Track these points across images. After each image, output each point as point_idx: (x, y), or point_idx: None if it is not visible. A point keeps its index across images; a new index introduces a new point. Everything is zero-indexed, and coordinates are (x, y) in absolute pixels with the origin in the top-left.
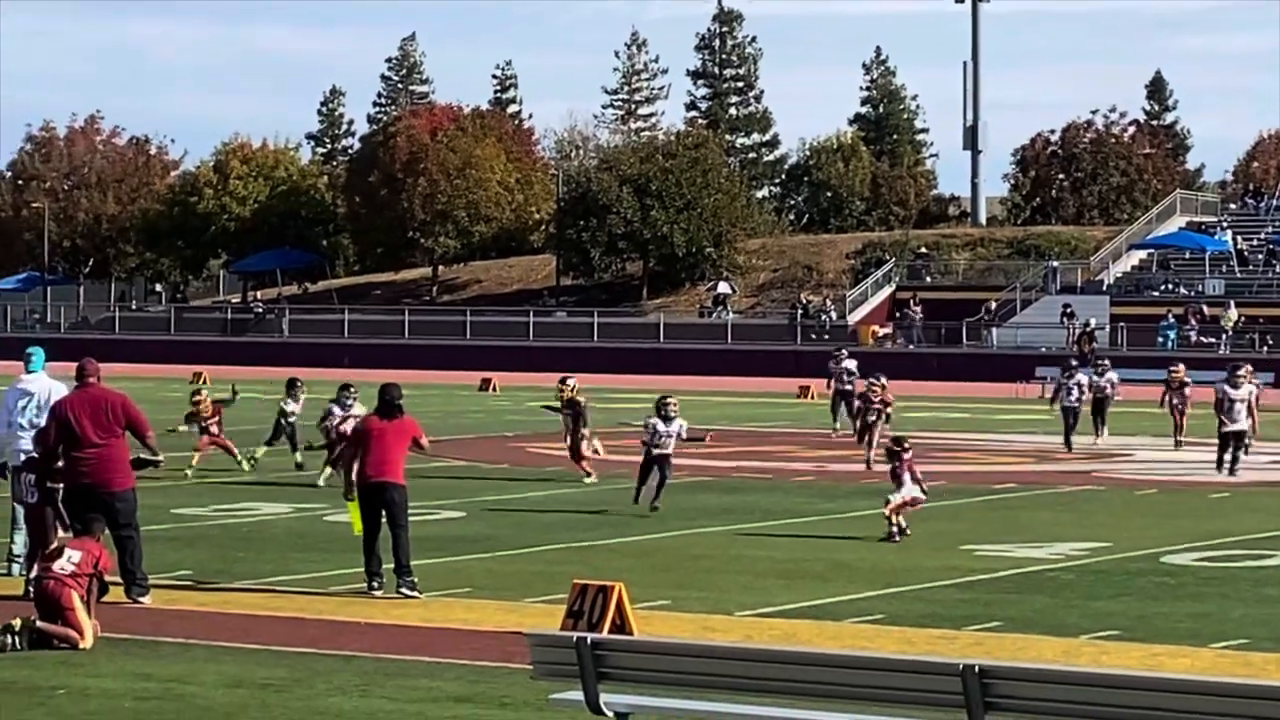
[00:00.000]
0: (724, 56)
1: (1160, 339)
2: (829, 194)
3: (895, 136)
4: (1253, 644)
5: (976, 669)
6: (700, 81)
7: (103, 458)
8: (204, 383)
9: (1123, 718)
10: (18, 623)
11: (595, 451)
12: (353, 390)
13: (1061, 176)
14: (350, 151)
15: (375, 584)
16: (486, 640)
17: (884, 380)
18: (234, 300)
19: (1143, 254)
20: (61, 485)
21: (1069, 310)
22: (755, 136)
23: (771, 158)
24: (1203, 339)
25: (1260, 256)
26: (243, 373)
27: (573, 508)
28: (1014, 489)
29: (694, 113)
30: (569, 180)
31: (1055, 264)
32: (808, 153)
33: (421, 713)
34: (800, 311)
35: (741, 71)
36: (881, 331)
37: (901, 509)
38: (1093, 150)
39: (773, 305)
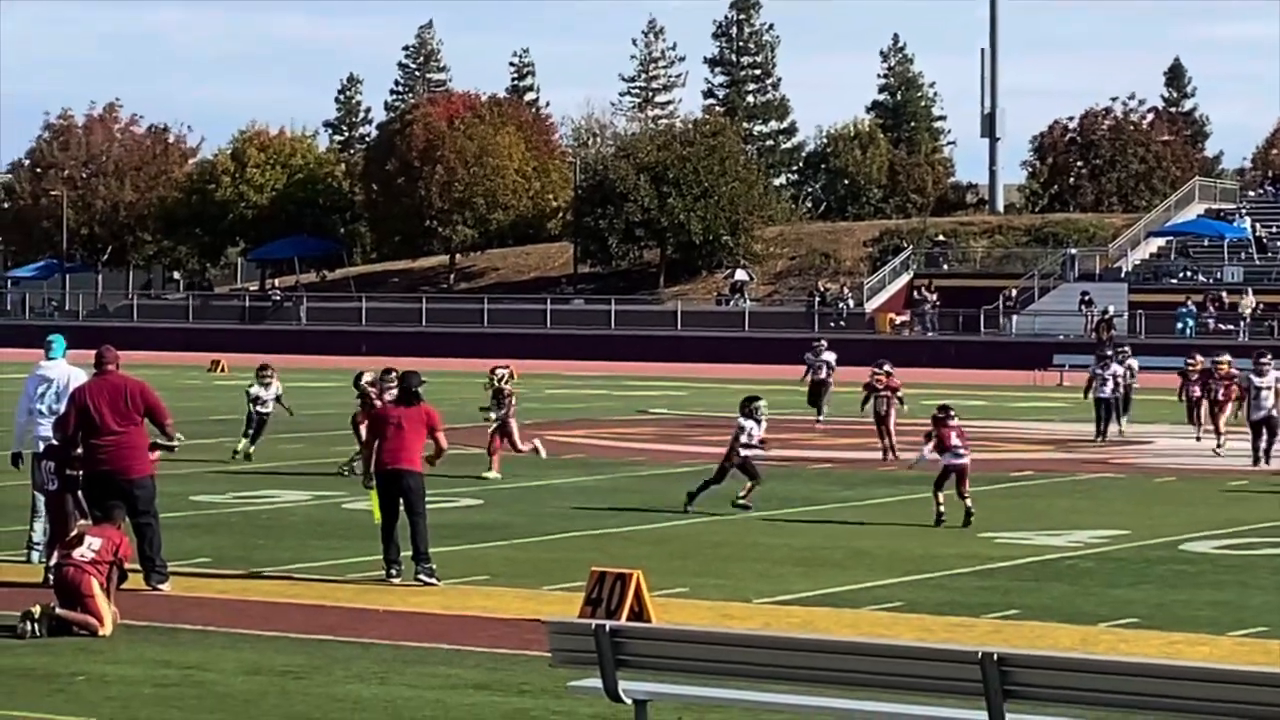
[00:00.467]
0: (741, 44)
1: (1179, 326)
2: (846, 182)
3: (913, 124)
4: (1272, 631)
5: (995, 657)
6: (718, 69)
7: (121, 445)
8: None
9: (1142, 705)
10: (38, 609)
11: (536, 450)
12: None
13: (1080, 164)
14: (368, 139)
15: (394, 571)
16: (505, 628)
17: (889, 367)
18: (252, 288)
19: (1161, 241)
20: (81, 472)
21: (1087, 298)
22: (773, 124)
23: (789, 145)
24: (1221, 326)
25: (1279, 244)
26: (260, 360)
27: (591, 496)
28: (1032, 476)
29: (711, 100)
30: (586, 168)
31: (1073, 251)
32: (825, 140)
33: (440, 700)
34: (818, 299)
35: (759, 59)
36: (899, 319)
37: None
38: (1111, 137)
39: (790, 293)
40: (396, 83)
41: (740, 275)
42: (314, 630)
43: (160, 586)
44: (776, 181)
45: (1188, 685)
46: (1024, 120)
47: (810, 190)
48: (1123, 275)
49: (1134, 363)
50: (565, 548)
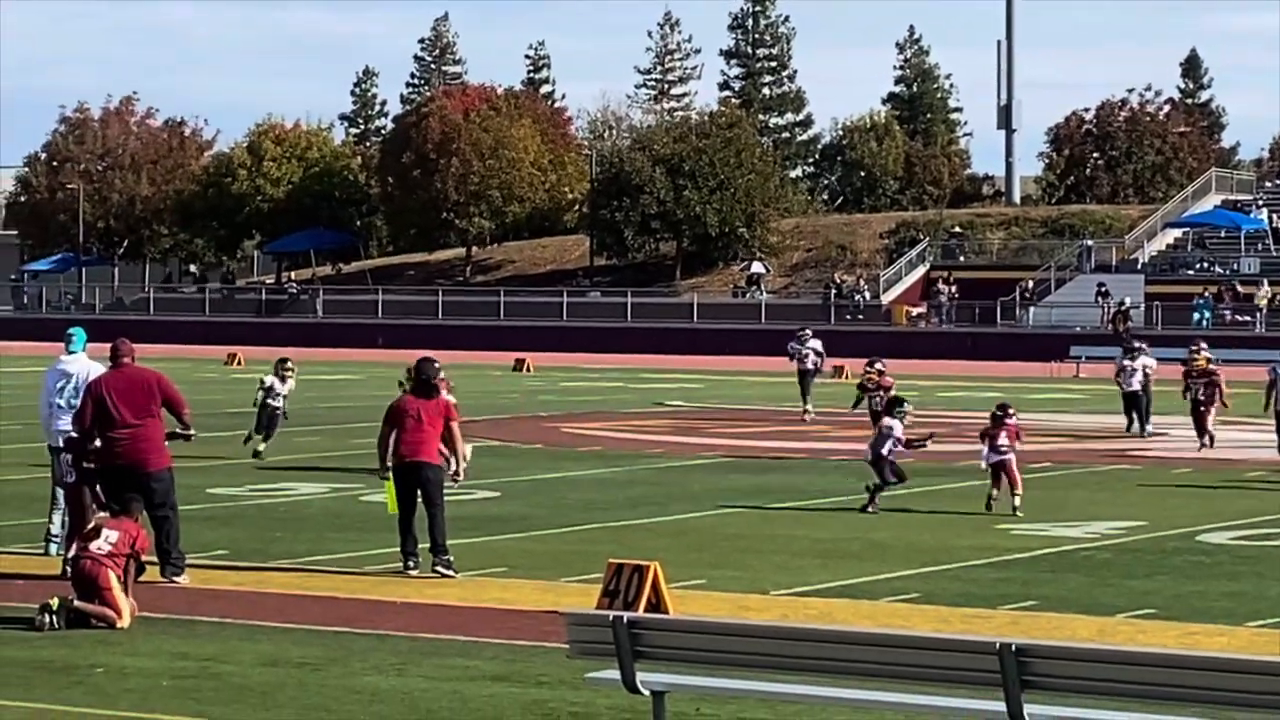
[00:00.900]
0: (757, 36)
1: (1196, 317)
2: (862, 174)
3: (929, 116)
4: None
5: (1013, 648)
6: (733, 61)
7: (138, 437)
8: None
9: (1159, 696)
10: (55, 602)
11: (464, 457)
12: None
13: (1096, 155)
14: (383, 132)
15: (411, 564)
16: (523, 619)
17: (881, 365)
18: (268, 281)
19: (1177, 232)
20: (98, 465)
21: (1104, 289)
22: (789, 116)
23: (805, 137)
24: (1238, 317)
25: None
26: (277, 353)
27: (608, 488)
28: (1049, 468)
29: (727, 92)
30: (602, 160)
31: (1090, 243)
32: (841, 132)
33: (458, 691)
34: (834, 291)
35: (775, 51)
36: (915, 311)
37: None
38: (1127, 129)
39: (806, 285)
40: (412, 75)
41: (756, 268)
42: (331, 622)
43: (177, 579)
44: (792, 174)
45: (1205, 675)
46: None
47: (826, 182)
48: (1139, 267)
49: (1151, 361)
50: (583, 540)
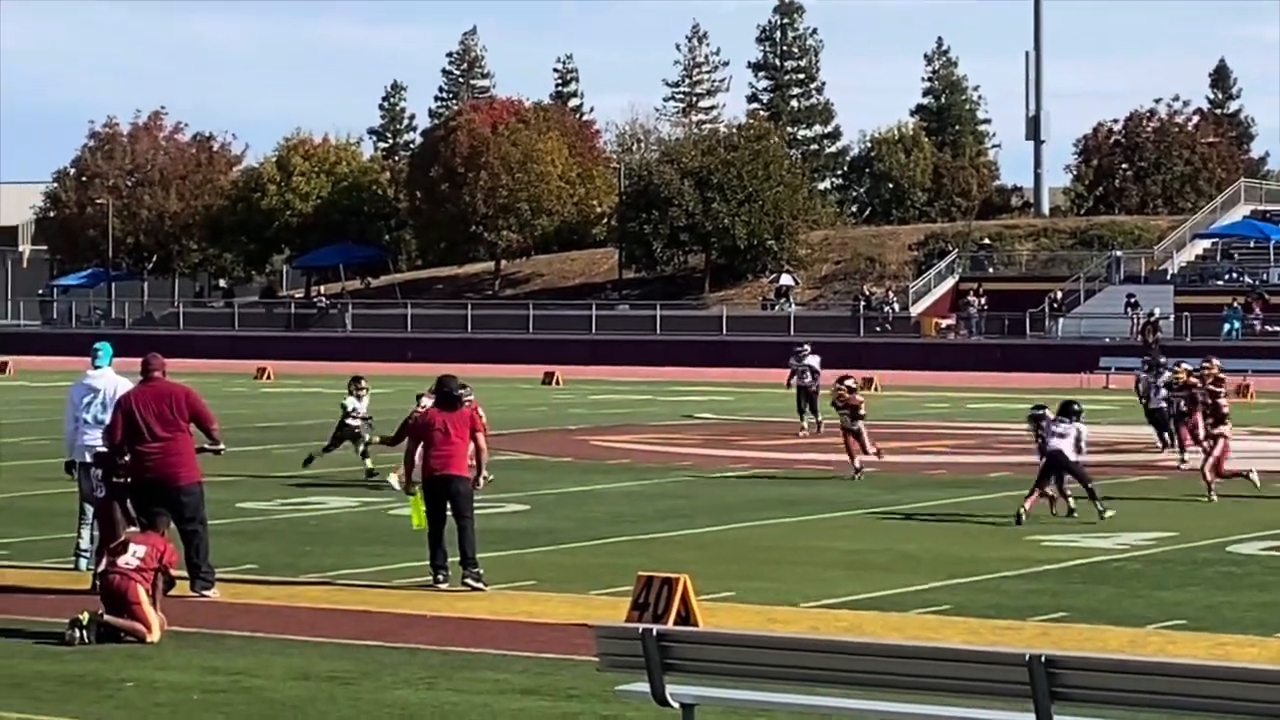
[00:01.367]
0: (785, 48)
1: (1225, 328)
2: (891, 185)
3: (957, 127)
4: None
5: (1043, 659)
6: (761, 74)
7: (168, 452)
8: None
9: (1190, 707)
10: (86, 616)
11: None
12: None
13: (1125, 166)
14: (412, 146)
15: (441, 577)
16: (552, 632)
17: (852, 382)
18: (297, 295)
19: (1207, 243)
20: (128, 480)
21: (1133, 300)
22: (817, 128)
23: (833, 149)
24: (1267, 328)
25: None
26: (306, 368)
27: (637, 500)
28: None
29: (755, 105)
30: (630, 173)
31: (1119, 254)
32: (869, 144)
33: (488, 705)
34: (863, 303)
35: (803, 63)
36: (944, 323)
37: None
38: (1156, 139)
39: (835, 297)
40: (441, 89)
41: (785, 280)
42: (361, 636)
43: (207, 593)
44: (821, 186)
45: (1236, 686)
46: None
47: (855, 194)
48: (1168, 277)
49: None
50: (612, 552)
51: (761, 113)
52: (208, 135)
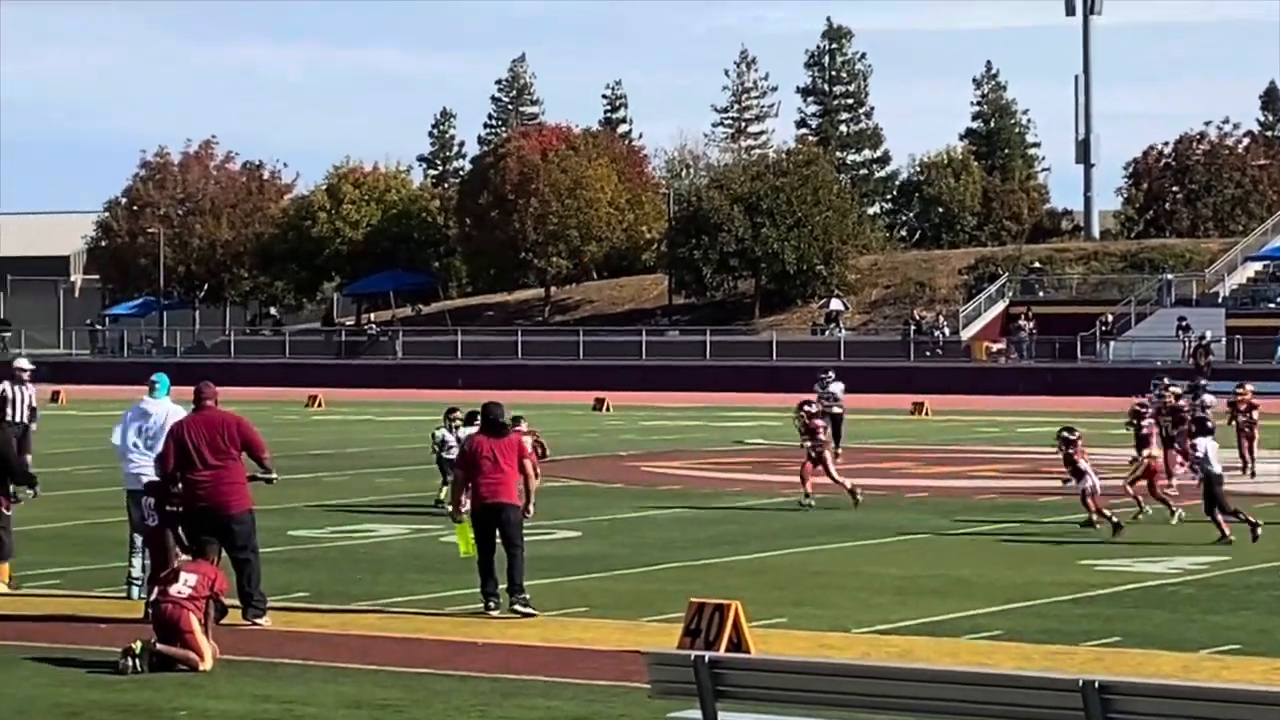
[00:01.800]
0: (834, 73)
1: (1278, 350)
2: (940, 210)
3: (1006, 151)
4: None
5: (1096, 685)
6: (810, 98)
7: (219, 480)
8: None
9: None
10: (138, 645)
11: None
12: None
13: (1175, 189)
14: (461, 173)
15: (491, 604)
16: (604, 659)
17: (813, 408)
18: (348, 323)
19: (1258, 266)
20: (180, 508)
21: (1184, 323)
22: (866, 153)
23: (882, 174)
24: None
25: None
26: (357, 395)
27: (688, 526)
28: (1131, 503)
29: (804, 130)
30: (680, 199)
31: (1170, 277)
32: (918, 168)
33: None
34: (913, 328)
35: (851, 88)
36: (995, 347)
37: (1094, 498)
38: (1206, 162)
39: (885, 322)
40: (490, 116)
41: (835, 305)
42: (413, 664)
43: (259, 621)
44: (870, 210)
45: None
46: (1118, 146)
47: (904, 219)
48: (1220, 300)
49: (1209, 398)
50: (664, 579)
51: (810, 138)
52: (258, 164)
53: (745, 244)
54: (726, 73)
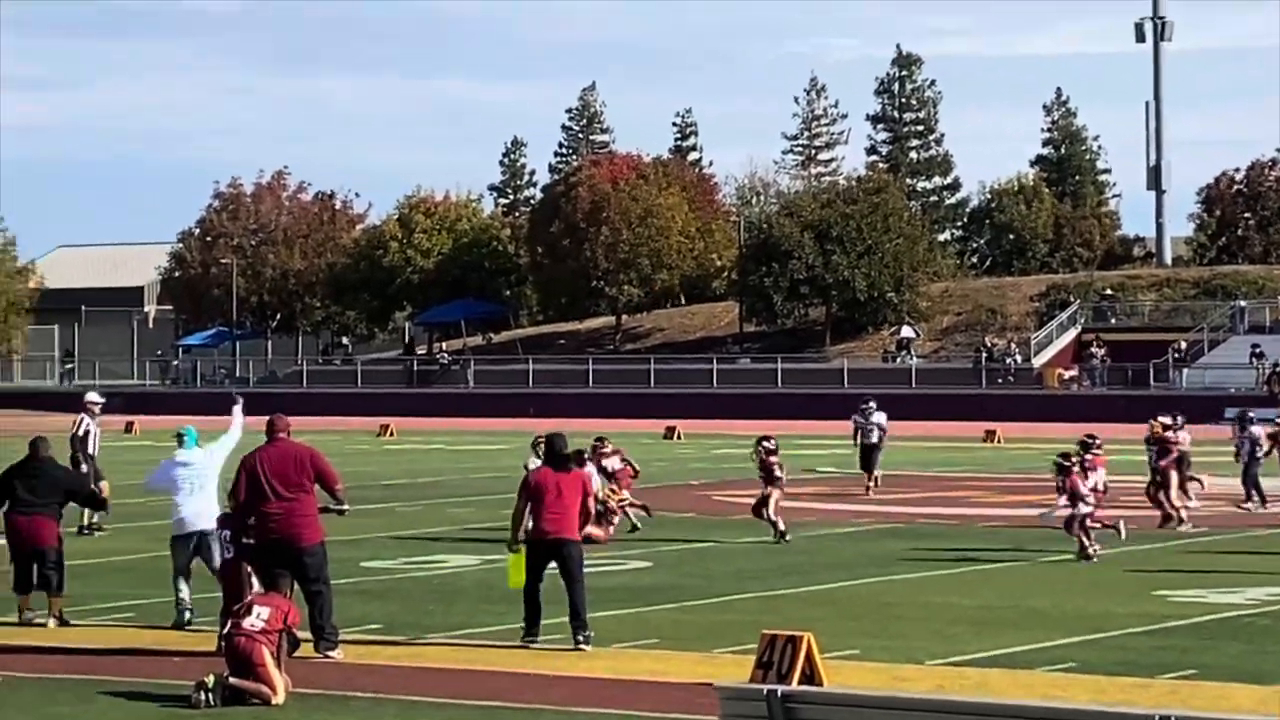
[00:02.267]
0: (904, 100)
1: None
2: (1011, 236)
3: (1077, 177)
4: None
5: (1172, 719)
6: (880, 126)
7: (292, 512)
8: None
9: None
10: (211, 679)
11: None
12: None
13: (1247, 215)
14: (532, 202)
15: (532, 638)
16: (676, 692)
17: (770, 444)
18: (419, 352)
19: None
20: (253, 540)
21: (1258, 350)
22: (936, 180)
23: (953, 201)
24: None
25: None
26: (428, 424)
27: (759, 557)
28: (1206, 532)
29: (874, 157)
30: (750, 227)
31: (1243, 304)
32: (989, 195)
33: None
34: (985, 355)
35: (921, 115)
36: (1067, 374)
37: (1076, 522)
38: (1278, 188)
39: (957, 349)
40: (560, 145)
41: (906, 332)
42: (485, 696)
43: (331, 654)
44: (941, 237)
45: None
46: (1190, 172)
47: (975, 246)
48: None
49: (1258, 430)
50: (735, 610)
51: (880, 165)
52: (330, 194)
53: (816, 271)
54: (796, 100)
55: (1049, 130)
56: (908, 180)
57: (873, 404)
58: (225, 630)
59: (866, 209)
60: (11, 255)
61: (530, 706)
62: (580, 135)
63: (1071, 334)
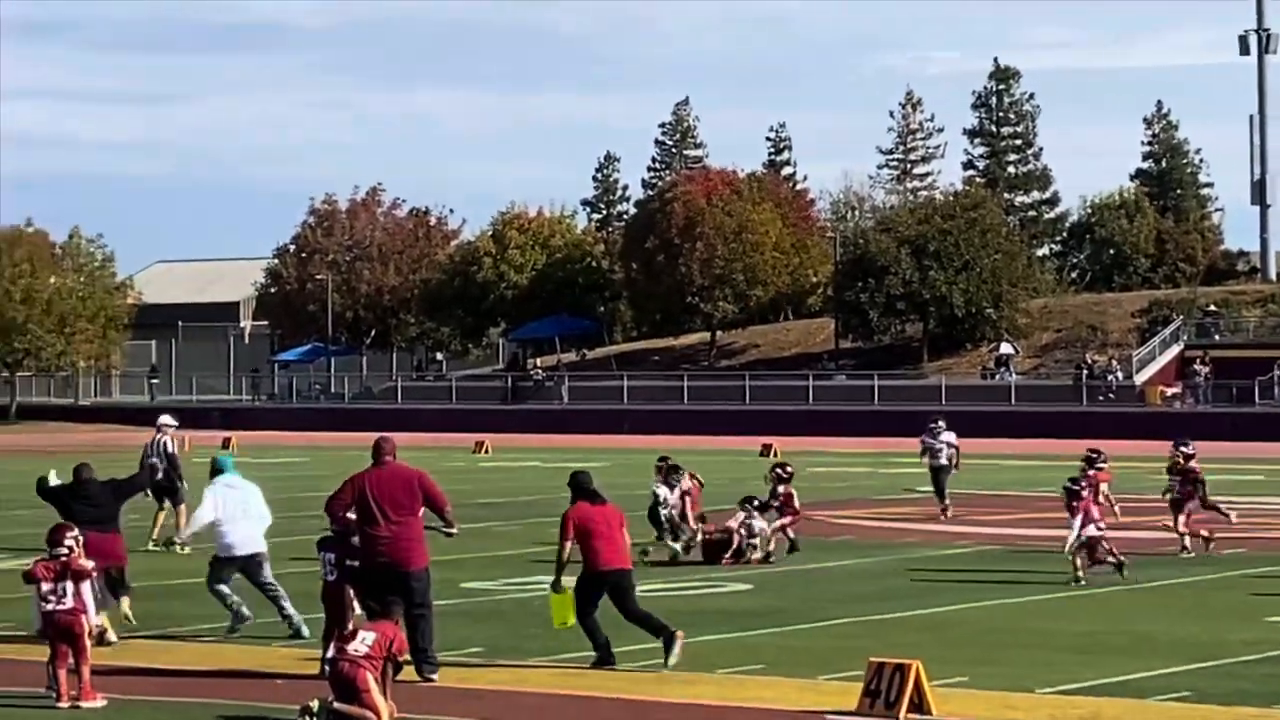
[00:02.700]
0: (1001, 114)
1: None
2: (1112, 251)
3: (1179, 191)
4: None
5: None
6: (977, 140)
7: (400, 536)
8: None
9: None
10: (316, 704)
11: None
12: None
13: None
14: (625, 217)
15: (605, 656)
16: (783, 719)
17: (787, 472)
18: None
19: None
20: (358, 563)
21: None
22: (1034, 194)
23: (1052, 215)
24: None
25: None
26: (523, 440)
27: (863, 579)
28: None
29: (971, 171)
30: (845, 242)
31: None
32: (1089, 210)
33: None
34: (1085, 372)
35: (1019, 129)
36: (1170, 391)
37: (1082, 550)
38: None
39: (1056, 366)
40: (653, 160)
41: (1005, 348)
42: None
43: (431, 677)
44: (1040, 253)
45: None
46: None
47: (1074, 261)
48: None
49: None
50: (840, 634)
51: (978, 179)
52: (424, 210)
53: (913, 287)
54: (892, 114)
55: (1150, 144)
56: (1005, 195)
57: (941, 422)
58: (330, 655)
59: (964, 224)
60: (110, 271)
61: None
62: (673, 150)
63: (1174, 350)
